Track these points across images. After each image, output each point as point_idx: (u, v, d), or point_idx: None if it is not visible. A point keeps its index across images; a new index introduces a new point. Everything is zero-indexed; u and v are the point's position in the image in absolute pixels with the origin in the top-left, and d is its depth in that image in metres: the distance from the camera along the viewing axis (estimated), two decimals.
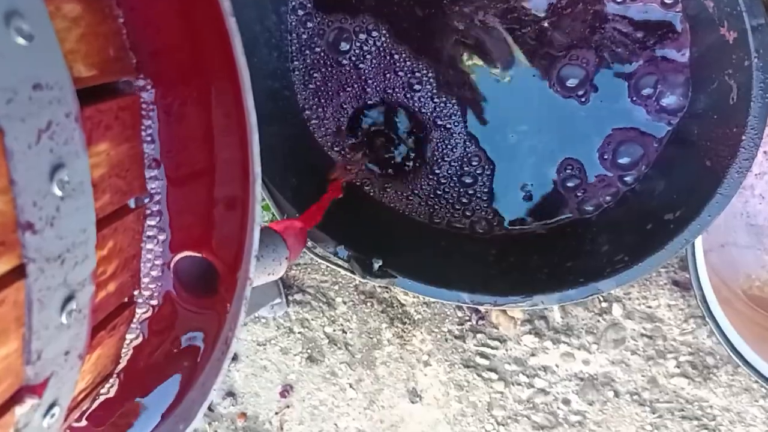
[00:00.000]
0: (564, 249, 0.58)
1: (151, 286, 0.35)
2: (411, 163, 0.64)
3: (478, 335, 0.75)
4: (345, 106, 0.63)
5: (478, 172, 0.62)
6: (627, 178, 0.59)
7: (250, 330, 0.81)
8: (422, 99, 0.62)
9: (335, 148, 0.64)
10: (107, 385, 0.36)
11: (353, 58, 0.62)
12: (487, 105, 0.61)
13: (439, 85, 0.61)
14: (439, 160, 0.63)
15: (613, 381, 0.72)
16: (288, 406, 0.83)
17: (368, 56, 0.62)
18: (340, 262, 0.56)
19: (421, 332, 0.76)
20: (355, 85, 0.63)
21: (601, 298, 0.71)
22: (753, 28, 0.45)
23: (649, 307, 0.70)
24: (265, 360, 0.82)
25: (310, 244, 0.57)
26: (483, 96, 0.61)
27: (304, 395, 0.81)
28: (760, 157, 0.61)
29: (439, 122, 0.62)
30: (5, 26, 0.20)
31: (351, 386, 0.80)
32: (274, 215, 0.56)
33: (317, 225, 0.55)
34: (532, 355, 0.74)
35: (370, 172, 0.64)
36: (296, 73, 0.63)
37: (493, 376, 0.75)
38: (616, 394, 0.72)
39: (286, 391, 0.82)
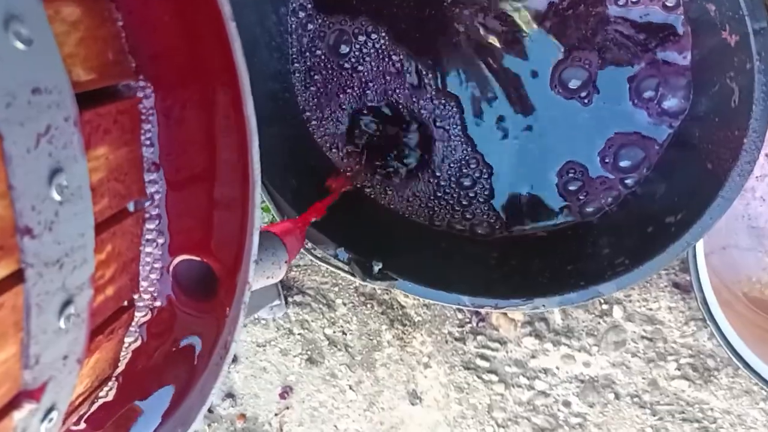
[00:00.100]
0: (565, 252, 0.58)
1: (150, 289, 0.35)
2: (411, 165, 0.63)
3: (479, 337, 0.75)
4: (345, 108, 0.63)
5: (476, 175, 0.62)
6: (628, 181, 0.59)
7: (250, 331, 0.81)
8: (422, 101, 0.62)
9: (335, 150, 0.64)
10: (105, 389, 0.36)
11: (353, 60, 0.62)
12: (488, 107, 0.61)
13: (439, 87, 0.61)
14: (440, 162, 0.63)
15: (614, 383, 0.72)
16: (287, 408, 0.82)
17: (367, 59, 0.62)
18: (340, 265, 0.56)
19: (422, 334, 0.76)
20: (355, 87, 0.63)
21: (602, 300, 0.71)
22: (755, 32, 0.45)
23: (650, 309, 0.69)
24: (264, 361, 0.82)
25: (309, 245, 0.57)
26: (484, 98, 0.61)
27: (304, 397, 0.81)
28: (761, 159, 0.61)
29: (439, 124, 0.62)
30: (4, 30, 0.20)
31: (351, 388, 0.80)
32: (273, 217, 0.56)
33: (317, 227, 0.55)
34: (533, 357, 0.73)
35: (371, 174, 0.64)
36: (296, 74, 0.63)
37: (494, 378, 0.75)
38: (617, 397, 0.72)
39: (286, 392, 0.82)
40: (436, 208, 0.63)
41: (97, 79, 0.28)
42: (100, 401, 0.36)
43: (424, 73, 0.61)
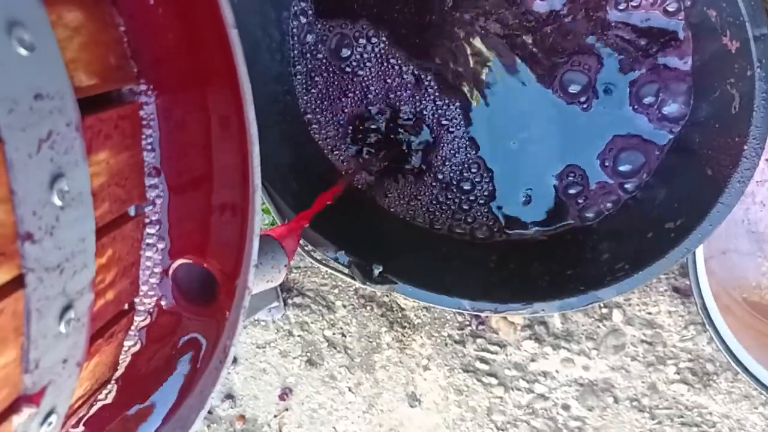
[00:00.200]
0: (564, 256, 0.58)
1: (149, 293, 0.35)
2: (412, 168, 0.63)
3: (478, 340, 0.75)
4: (346, 111, 0.63)
5: (476, 179, 0.62)
6: (628, 186, 0.59)
7: (250, 333, 0.81)
8: (423, 104, 0.62)
9: (336, 152, 0.64)
10: (105, 392, 0.36)
11: (354, 64, 0.62)
12: (488, 111, 0.61)
13: (440, 91, 0.61)
14: (440, 166, 0.63)
15: (613, 387, 0.72)
16: (287, 409, 0.82)
17: (368, 62, 0.62)
18: (339, 268, 0.56)
19: (421, 336, 0.76)
20: (357, 90, 0.63)
21: (602, 304, 0.71)
22: (755, 38, 0.45)
23: (650, 313, 0.70)
24: (264, 363, 0.82)
25: (309, 248, 0.57)
26: (484, 101, 0.61)
27: (303, 398, 0.81)
28: (761, 164, 0.61)
29: (440, 127, 0.62)
30: (7, 36, 0.20)
31: (350, 390, 0.80)
32: (274, 219, 0.56)
33: (318, 229, 0.55)
34: (532, 360, 0.73)
35: (371, 177, 0.64)
36: (298, 77, 0.63)
37: (493, 381, 0.75)
38: (616, 400, 0.72)
39: (285, 394, 0.82)
40: (437, 212, 0.63)
41: (99, 84, 0.28)
42: (100, 404, 0.36)
43: (424, 76, 0.61)
